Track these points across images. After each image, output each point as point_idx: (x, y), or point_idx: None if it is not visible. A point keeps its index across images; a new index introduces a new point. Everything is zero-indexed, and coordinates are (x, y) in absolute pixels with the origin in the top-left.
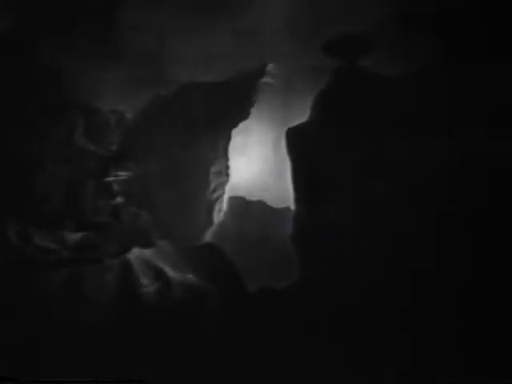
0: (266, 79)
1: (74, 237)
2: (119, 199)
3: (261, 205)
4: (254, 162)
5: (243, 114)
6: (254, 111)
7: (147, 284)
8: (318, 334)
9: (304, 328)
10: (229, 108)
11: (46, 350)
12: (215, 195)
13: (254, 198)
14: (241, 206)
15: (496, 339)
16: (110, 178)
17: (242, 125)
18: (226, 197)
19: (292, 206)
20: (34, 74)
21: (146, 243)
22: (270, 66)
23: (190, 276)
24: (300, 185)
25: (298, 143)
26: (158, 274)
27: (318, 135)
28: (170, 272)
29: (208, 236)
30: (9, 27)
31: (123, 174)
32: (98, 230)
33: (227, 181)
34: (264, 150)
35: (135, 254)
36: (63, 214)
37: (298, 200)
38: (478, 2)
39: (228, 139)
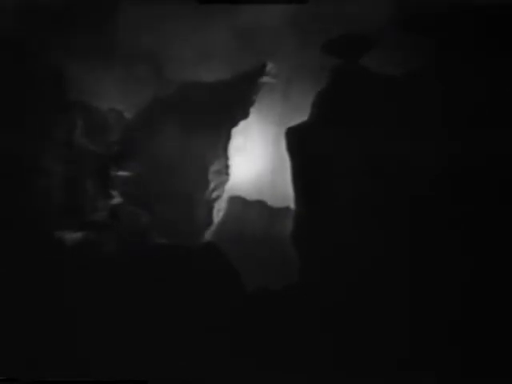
0: (266, 79)
1: (73, 236)
2: (118, 199)
3: (261, 204)
4: (254, 162)
5: (243, 114)
6: (253, 110)
7: (147, 283)
8: (319, 335)
9: (304, 329)
10: (229, 107)
11: (45, 350)
12: (215, 194)
13: (253, 198)
14: (240, 205)
15: (495, 339)
16: (110, 178)
17: (241, 124)
18: (225, 196)
19: (292, 206)
20: (34, 74)
21: (146, 243)
22: (270, 66)
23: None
24: (300, 184)
25: (298, 143)
26: (159, 273)
27: (318, 135)
28: (170, 270)
29: (207, 235)
30: (9, 27)
31: (123, 174)
32: (97, 229)
33: (227, 180)
34: (264, 150)
35: (136, 252)
36: (62, 214)
37: (297, 200)
38: (477, 3)
39: (228, 138)
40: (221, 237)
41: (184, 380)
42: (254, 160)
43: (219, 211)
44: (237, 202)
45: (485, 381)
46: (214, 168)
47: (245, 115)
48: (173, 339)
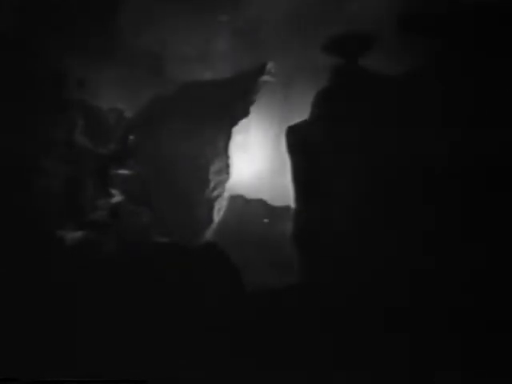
0: (266, 78)
1: (73, 236)
2: (119, 198)
3: (261, 203)
4: (255, 161)
5: (243, 113)
6: (254, 110)
7: (147, 283)
8: (319, 335)
9: (304, 328)
10: (229, 106)
11: (45, 350)
12: (215, 193)
13: (254, 197)
14: (241, 204)
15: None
16: (110, 177)
17: (242, 123)
18: (226, 195)
19: (292, 205)
20: (34, 74)
21: (146, 242)
22: (270, 65)
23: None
24: (300, 183)
25: (298, 141)
26: (159, 273)
27: (318, 134)
28: (170, 270)
29: (208, 234)
30: (9, 27)
31: (123, 173)
32: (97, 228)
33: (227, 179)
34: (264, 149)
35: (136, 252)
36: (62, 214)
37: (298, 198)
38: (477, 3)
39: (228, 137)
40: (221, 235)
41: (183, 380)
42: (254, 159)
43: (220, 210)
44: (237, 200)
45: (486, 381)
46: (214, 167)
47: (245, 114)
48: (173, 339)
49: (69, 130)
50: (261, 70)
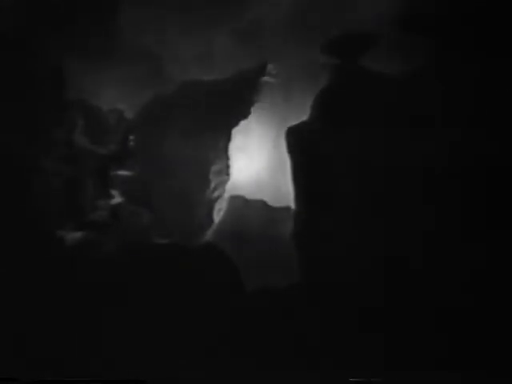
0: (266, 78)
1: (73, 236)
2: (119, 198)
3: (261, 204)
4: (255, 161)
5: (243, 114)
6: (254, 110)
7: (147, 283)
8: (319, 335)
9: (304, 327)
10: (229, 107)
11: (45, 350)
12: (215, 194)
13: (254, 197)
14: (241, 205)
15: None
16: (110, 178)
17: (242, 124)
18: (226, 196)
19: (292, 205)
20: (34, 74)
21: (146, 242)
22: (270, 66)
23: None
24: (300, 184)
25: (298, 142)
26: (159, 273)
27: (318, 134)
28: (170, 270)
29: (208, 235)
30: (9, 27)
31: (123, 174)
32: (97, 228)
33: (227, 180)
34: (264, 149)
35: (136, 252)
36: (63, 214)
37: (297, 199)
38: (477, 3)
39: (228, 138)
40: (221, 236)
41: (183, 380)
42: (254, 160)
43: (220, 211)
44: (237, 201)
45: (486, 381)
46: (214, 168)
47: (245, 115)
48: (173, 339)
49: (69, 130)
50: (261, 71)
